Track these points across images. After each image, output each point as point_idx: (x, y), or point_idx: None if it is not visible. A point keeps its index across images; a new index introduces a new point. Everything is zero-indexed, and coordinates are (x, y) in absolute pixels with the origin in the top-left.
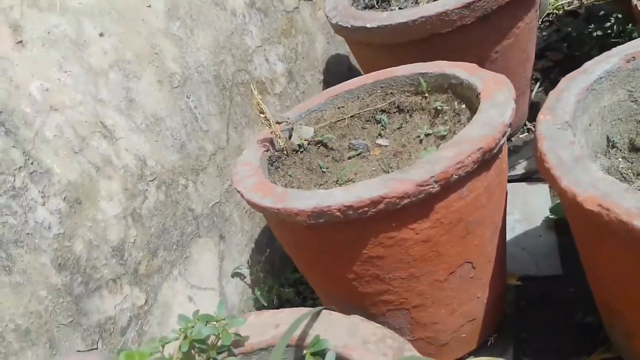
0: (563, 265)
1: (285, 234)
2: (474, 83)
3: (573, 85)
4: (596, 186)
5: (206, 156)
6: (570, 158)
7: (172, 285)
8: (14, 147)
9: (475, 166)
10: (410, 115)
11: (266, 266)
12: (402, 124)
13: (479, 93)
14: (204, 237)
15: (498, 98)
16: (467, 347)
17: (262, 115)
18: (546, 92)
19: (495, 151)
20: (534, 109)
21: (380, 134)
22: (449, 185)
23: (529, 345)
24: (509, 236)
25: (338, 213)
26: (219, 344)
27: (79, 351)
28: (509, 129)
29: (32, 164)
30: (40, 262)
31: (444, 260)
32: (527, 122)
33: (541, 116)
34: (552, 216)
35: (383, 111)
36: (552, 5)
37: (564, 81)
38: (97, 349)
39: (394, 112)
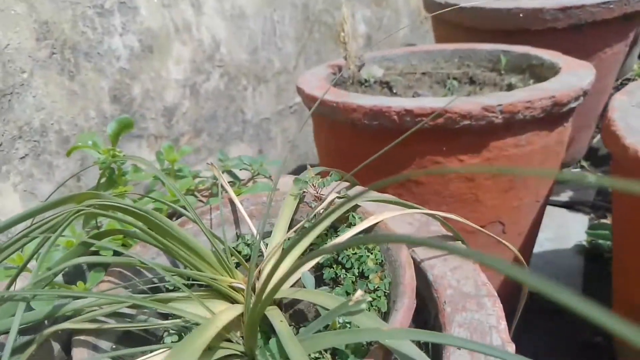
0: (584, 288)
1: (333, 142)
2: (556, 62)
3: None
4: None
5: (272, 71)
6: (638, 125)
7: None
8: None
9: (542, 115)
10: (481, 89)
11: None
12: (470, 93)
13: (560, 68)
14: (246, 143)
15: (579, 71)
16: None
17: (342, 32)
18: None
19: (564, 110)
20: (593, 152)
21: (445, 96)
22: (512, 124)
23: (529, 351)
24: (537, 249)
25: (395, 117)
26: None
27: None
28: (582, 98)
29: None
30: (99, 85)
31: (478, 209)
32: (582, 160)
33: (617, 96)
34: (585, 243)
35: (455, 78)
36: (636, 72)
37: None
38: None
39: (465, 83)
